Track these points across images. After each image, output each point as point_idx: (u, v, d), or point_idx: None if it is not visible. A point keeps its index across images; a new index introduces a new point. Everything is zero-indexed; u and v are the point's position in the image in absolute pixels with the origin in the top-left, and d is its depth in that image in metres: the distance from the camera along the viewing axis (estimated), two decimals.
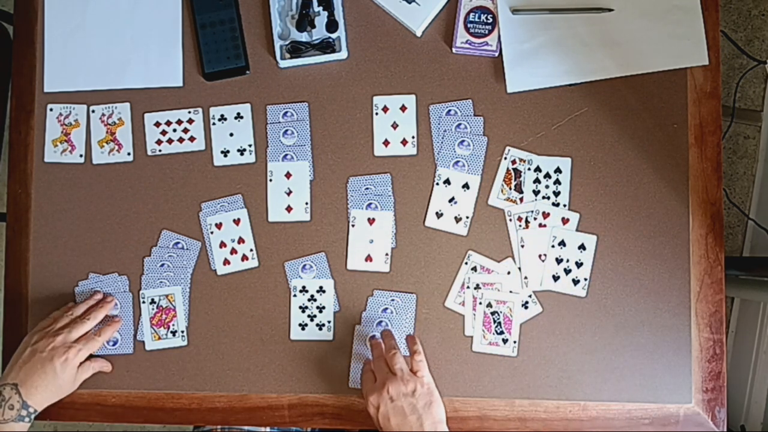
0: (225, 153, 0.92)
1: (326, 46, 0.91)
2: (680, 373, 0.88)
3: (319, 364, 0.90)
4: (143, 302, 0.91)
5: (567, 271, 0.89)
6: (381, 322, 0.89)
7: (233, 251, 0.91)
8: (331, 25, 0.90)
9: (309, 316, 0.90)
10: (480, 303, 0.89)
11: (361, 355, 0.90)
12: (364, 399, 0.80)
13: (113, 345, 0.91)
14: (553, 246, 0.89)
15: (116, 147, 0.93)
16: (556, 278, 0.89)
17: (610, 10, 0.89)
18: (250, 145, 0.92)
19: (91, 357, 0.88)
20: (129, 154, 0.93)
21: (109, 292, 0.91)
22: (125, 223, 0.92)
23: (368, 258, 0.90)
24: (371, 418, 0.79)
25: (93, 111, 0.94)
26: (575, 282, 0.89)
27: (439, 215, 0.90)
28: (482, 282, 0.89)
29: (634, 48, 0.89)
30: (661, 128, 0.90)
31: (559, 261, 0.89)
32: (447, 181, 0.90)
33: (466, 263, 0.90)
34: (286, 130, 0.92)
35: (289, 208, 0.91)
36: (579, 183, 0.90)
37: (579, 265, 0.89)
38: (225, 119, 0.93)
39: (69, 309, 0.88)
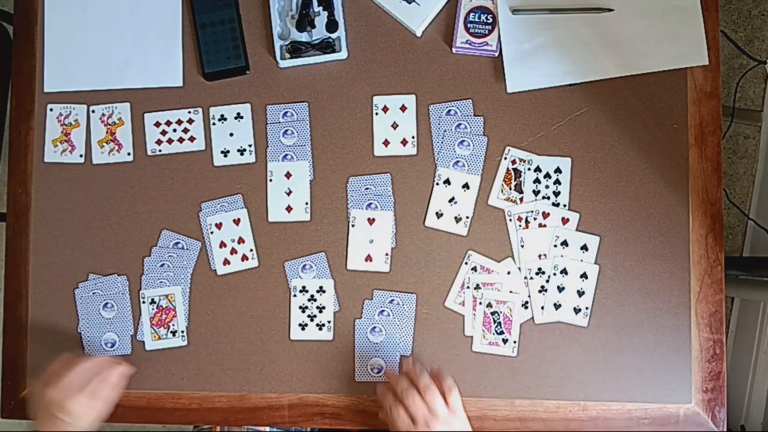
0: (225, 153, 0.92)
1: (326, 46, 0.91)
2: (680, 373, 0.88)
3: (319, 364, 0.90)
4: (143, 302, 0.91)
5: None
6: (382, 311, 0.90)
7: (233, 251, 0.91)
8: (331, 25, 0.90)
9: (309, 316, 0.90)
10: (480, 303, 0.89)
11: (364, 349, 0.90)
12: None
13: (111, 346, 0.91)
14: (555, 246, 0.89)
15: (116, 147, 0.93)
16: None
17: (610, 10, 0.89)
18: (250, 145, 0.92)
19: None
20: (129, 154, 0.93)
21: (109, 293, 0.91)
22: (125, 223, 0.92)
23: (368, 258, 0.90)
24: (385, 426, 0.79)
25: (93, 111, 0.94)
26: None
27: (439, 215, 0.90)
28: (482, 282, 0.89)
29: (634, 48, 0.89)
30: (661, 128, 0.90)
31: None
32: (447, 181, 0.90)
33: (466, 263, 0.90)
34: (286, 130, 0.92)
35: (289, 208, 0.91)
36: (579, 183, 0.90)
37: None
38: (225, 119, 0.93)
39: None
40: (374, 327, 0.90)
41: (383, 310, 0.90)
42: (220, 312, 0.91)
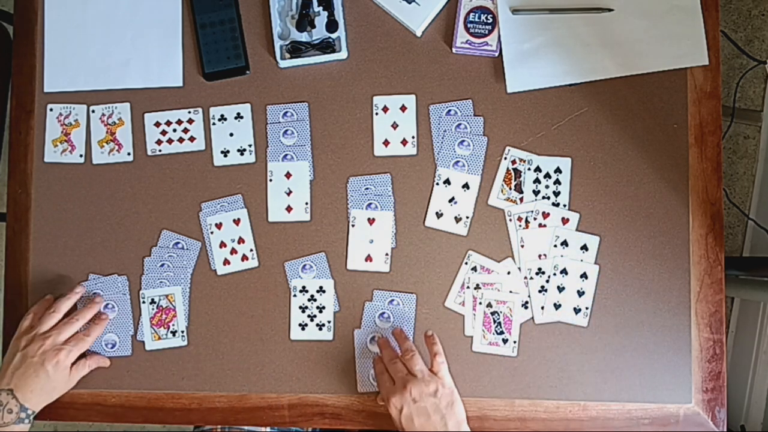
0: (225, 153, 0.92)
1: (326, 46, 0.91)
2: (680, 373, 0.88)
3: (319, 364, 0.90)
4: (143, 302, 0.91)
5: None
6: (384, 313, 0.90)
7: (233, 251, 0.91)
8: (331, 25, 0.90)
9: (309, 316, 0.90)
10: (480, 303, 0.89)
11: (364, 358, 0.90)
12: (384, 401, 0.80)
13: (112, 347, 0.91)
14: (555, 246, 0.89)
15: (116, 147, 0.93)
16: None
17: (610, 10, 0.89)
18: (250, 145, 0.92)
19: (86, 354, 0.88)
20: (129, 154, 0.93)
21: (109, 293, 0.92)
22: (125, 223, 0.92)
23: (368, 258, 0.90)
24: (392, 420, 0.79)
25: (93, 111, 0.94)
26: None
27: (439, 215, 0.90)
28: (482, 282, 0.89)
29: (634, 48, 0.89)
30: (661, 128, 0.90)
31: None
32: (447, 181, 0.90)
33: (466, 263, 0.90)
34: (286, 130, 0.92)
35: (289, 208, 0.91)
36: (579, 183, 0.90)
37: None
38: (225, 119, 0.93)
39: (49, 304, 0.88)
40: (373, 337, 0.90)
41: (383, 312, 0.90)
42: (220, 312, 0.91)
